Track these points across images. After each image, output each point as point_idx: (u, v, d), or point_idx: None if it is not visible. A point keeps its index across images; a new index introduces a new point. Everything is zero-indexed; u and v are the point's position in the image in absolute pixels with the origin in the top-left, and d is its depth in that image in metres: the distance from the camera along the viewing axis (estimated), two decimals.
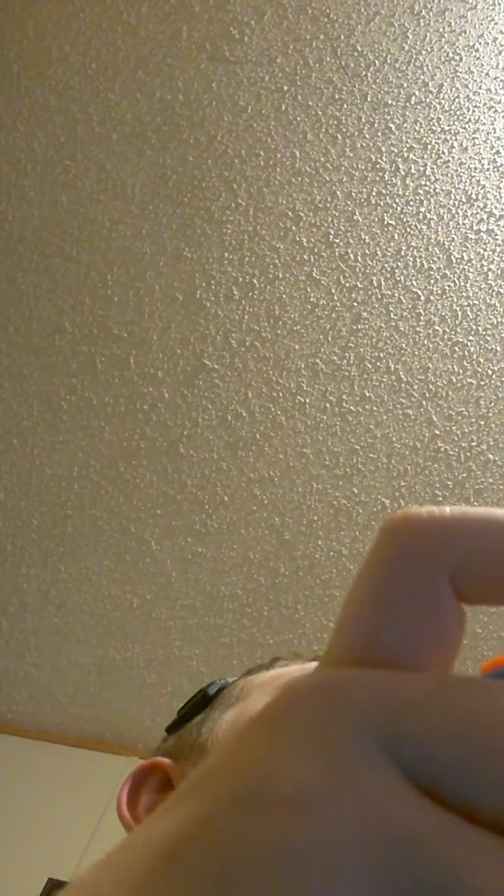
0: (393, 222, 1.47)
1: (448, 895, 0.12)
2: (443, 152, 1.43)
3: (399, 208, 1.46)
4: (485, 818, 0.13)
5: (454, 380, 1.55)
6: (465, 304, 1.50)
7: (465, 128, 1.41)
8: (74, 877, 0.14)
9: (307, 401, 1.59)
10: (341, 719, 0.14)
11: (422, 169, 1.44)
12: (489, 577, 0.16)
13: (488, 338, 1.52)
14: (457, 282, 1.49)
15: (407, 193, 1.45)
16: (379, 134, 1.43)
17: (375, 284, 1.50)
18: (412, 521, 0.16)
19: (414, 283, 1.50)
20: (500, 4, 1.35)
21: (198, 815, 0.13)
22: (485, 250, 1.47)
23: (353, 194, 1.46)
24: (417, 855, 0.12)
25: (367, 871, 0.12)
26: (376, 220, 1.47)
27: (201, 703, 0.54)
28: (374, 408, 1.58)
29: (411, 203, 1.46)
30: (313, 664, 0.52)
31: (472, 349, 1.52)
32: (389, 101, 1.41)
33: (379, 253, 1.49)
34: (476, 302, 1.49)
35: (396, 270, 1.49)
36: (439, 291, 1.50)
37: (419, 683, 0.14)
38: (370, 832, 0.12)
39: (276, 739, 0.14)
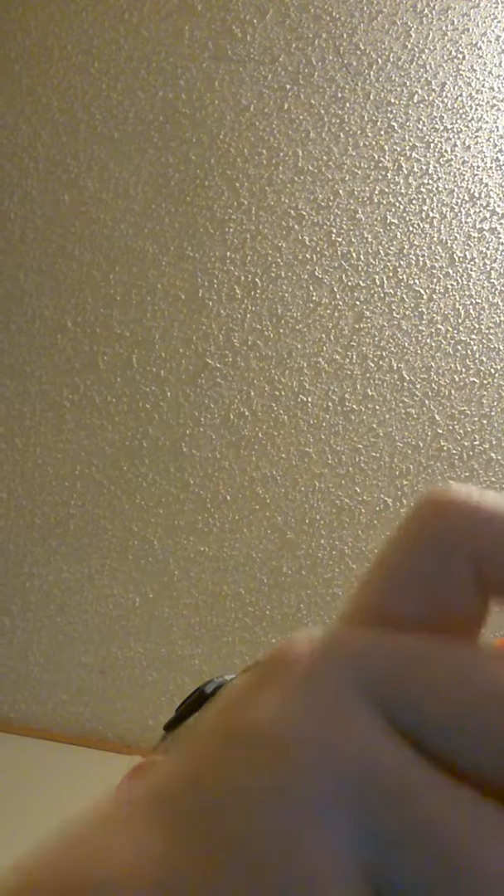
0: (395, 221, 1.47)
1: (429, 849, 0.12)
2: (445, 150, 1.42)
3: (402, 207, 1.46)
4: (471, 779, 0.13)
5: (457, 379, 1.54)
6: (468, 302, 1.49)
7: (467, 126, 1.41)
8: (67, 825, 0.15)
9: (309, 400, 1.59)
10: (337, 670, 0.14)
11: (424, 167, 1.44)
12: None
13: (491, 336, 1.51)
14: (459, 280, 1.48)
15: (410, 192, 1.45)
16: (381, 132, 1.43)
17: (378, 283, 1.50)
18: (449, 499, 0.16)
19: (416, 281, 1.49)
20: (502, 2, 1.35)
21: (190, 754, 0.14)
22: (488, 249, 1.46)
23: (356, 193, 1.46)
24: (402, 805, 0.12)
25: (349, 814, 0.12)
26: (379, 218, 1.47)
27: (198, 701, 0.54)
28: (377, 407, 1.58)
29: (414, 202, 1.45)
30: None
31: (474, 348, 1.52)
32: (392, 100, 1.41)
33: (381, 252, 1.49)
34: (479, 300, 1.49)
35: (399, 269, 1.49)
36: (442, 290, 1.49)
37: (418, 644, 0.14)
38: (356, 777, 0.12)
39: (271, 685, 0.14)
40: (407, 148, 1.43)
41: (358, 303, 1.52)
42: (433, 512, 0.16)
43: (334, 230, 1.49)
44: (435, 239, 1.47)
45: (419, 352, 1.53)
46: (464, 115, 1.41)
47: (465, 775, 0.13)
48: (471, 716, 0.13)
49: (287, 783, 0.12)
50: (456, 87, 1.39)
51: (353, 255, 1.49)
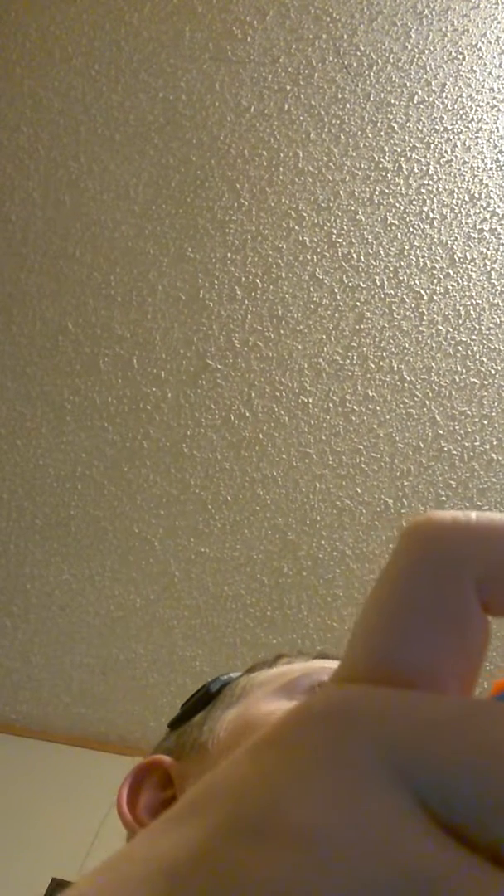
0: (396, 222, 1.47)
1: None
2: (446, 151, 1.43)
3: (402, 208, 1.46)
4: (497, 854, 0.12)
5: (457, 379, 1.54)
6: (469, 303, 1.49)
7: (468, 127, 1.41)
8: (73, 888, 0.14)
9: (310, 400, 1.59)
10: (354, 745, 0.13)
11: (425, 168, 1.44)
12: None
13: (491, 337, 1.51)
14: (460, 281, 1.48)
15: (410, 193, 1.45)
16: (382, 133, 1.43)
17: (378, 284, 1.50)
18: (437, 526, 0.15)
19: (417, 282, 1.49)
20: (502, 3, 1.35)
21: (201, 839, 0.13)
22: (488, 249, 1.46)
23: (356, 194, 1.46)
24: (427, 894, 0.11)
25: None
26: (379, 219, 1.47)
27: (203, 699, 0.54)
28: (377, 407, 1.58)
29: (414, 202, 1.45)
30: (317, 662, 0.51)
31: (475, 348, 1.52)
32: (392, 101, 1.41)
33: (382, 252, 1.49)
34: (479, 301, 1.49)
35: (399, 270, 1.49)
36: (442, 291, 1.49)
37: (440, 707, 0.13)
38: (382, 875, 0.11)
39: (285, 765, 0.13)
40: (407, 149, 1.43)
41: (358, 304, 1.52)
42: (421, 542, 0.15)
43: (335, 231, 1.49)
44: (435, 240, 1.47)
45: (420, 352, 1.53)
46: (464, 116, 1.41)
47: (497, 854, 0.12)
48: None
49: (307, 884, 0.11)
50: (456, 88, 1.39)
51: (354, 255, 1.49)
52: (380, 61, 1.39)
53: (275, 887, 0.11)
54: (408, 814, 0.12)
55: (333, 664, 0.50)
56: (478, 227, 1.46)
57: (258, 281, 1.52)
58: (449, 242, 1.47)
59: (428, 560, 0.15)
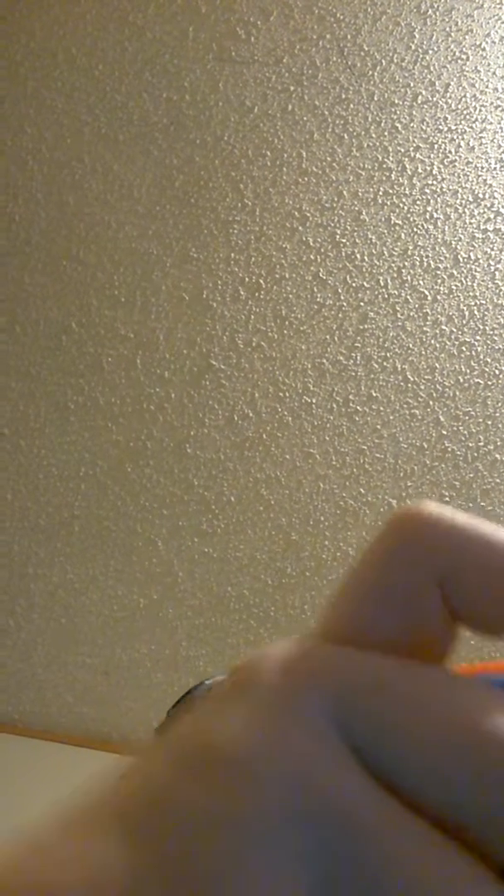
0: (399, 222, 1.47)
1: (375, 883, 0.12)
2: (450, 151, 1.42)
3: (406, 208, 1.46)
4: (428, 812, 0.13)
5: (461, 380, 1.54)
6: (473, 303, 1.49)
7: (471, 127, 1.41)
8: (33, 826, 0.15)
9: (314, 401, 1.59)
10: (296, 690, 0.14)
11: (428, 168, 1.43)
12: (470, 592, 0.16)
13: (496, 337, 1.51)
14: (464, 281, 1.48)
15: (414, 193, 1.45)
16: (385, 133, 1.43)
17: (382, 284, 1.50)
18: (421, 518, 0.16)
19: (421, 282, 1.49)
20: None
21: (152, 777, 0.14)
22: (492, 249, 1.46)
23: (360, 194, 1.46)
24: (355, 835, 0.12)
25: (300, 841, 0.12)
26: (383, 219, 1.47)
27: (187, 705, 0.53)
28: (381, 408, 1.58)
29: (418, 202, 1.45)
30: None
31: (479, 349, 1.52)
32: (396, 101, 1.41)
33: (385, 253, 1.48)
34: (483, 301, 1.49)
35: (403, 270, 1.49)
36: (446, 291, 1.49)
37: (382, 665, 0.14)
38: (309, 803, 0.12)
39: (231, 705, 0.14)
40: (411, 149, 1.43)
41: (362, 304, 1.52)
42: (404, 530, 0.16)
43: (338, 231, 1.49)
44: (439, 240, 1.47)
45: (423, 353, 1.53)
46: (468, 117, 1.41)
47: (422, 809, 0.13)
48: (432, 751, 0.13)
49: (240, 804, 0.12)
50: (460, 89, 1.39)
51: (358, 256, 1.49)
52: (383, 61, 1.39)
53: (211, 812, 0.12)
54: (339, 756, 0.13)
55: None
56: (482, 227, 1.45)
57: (262, 281, 1.52)
58: (453, 243, 1.47)
59: (403, 547, 0.16)
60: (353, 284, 1.51)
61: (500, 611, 0.15)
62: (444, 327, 1.51)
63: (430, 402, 1.56)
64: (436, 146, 1.42)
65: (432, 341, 1.52)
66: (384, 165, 1.44)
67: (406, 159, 1.44)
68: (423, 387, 1.55)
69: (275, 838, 0.12)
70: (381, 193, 1.46)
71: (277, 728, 0.13)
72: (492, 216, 1.45)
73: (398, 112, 1.42)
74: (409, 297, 1.50)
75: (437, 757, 0.13)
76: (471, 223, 1.45)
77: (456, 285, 1.49)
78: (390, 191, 1.45)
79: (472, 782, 0.12)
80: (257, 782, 0.12)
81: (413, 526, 0.16)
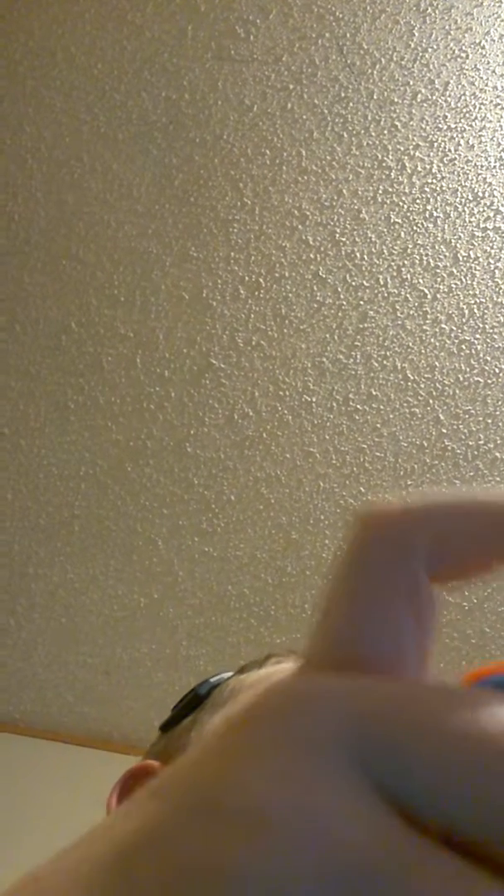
0: (399, 220, 1.46)
1: None
2: (449, 150, 1.42)
3: (405, 206, 1.46)
4: (464, 841, 0.12)
5: (461, 378, 1.54)
6: (472, 301, 1.49)
7: (471, 125, 1.41)
8: (31, 871, 0.14)
9: (314, 400, 1.59)
10: (311, 732, 0.13)
11: (428, 167, 1.43)
12: (460, 553, 0.16)
13: (495, 336, 1.51)
14: (463, 280, 1.48)
15: (413, 191, 1.45)
16: (385, 132, 1.43)
17: (382, 283, 1.50)
18: (381, 513, 0.16)
19: (420, 281, 1.49)
20: None
21: (155, 820, 0.13)
22: (491, 248, 1.46)
23: (360, 192, 1.46)
24: (374, 886, 0.11)
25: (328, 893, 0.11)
26: (382, 218, 1.47)
27: (193, 702, 0.53)
28: (381, 406, 1.58)
29: (417, 201, 1.45)
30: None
31: (478, 347, 1.52)
32: (395, 99, 1.41)
33: (385, 251, 1.48)
34: (483, 300, 1.49)
35: (403, 269, 1.49)
36: (446, 289, 1.49)
37: (396, 692, 0.13)
38: (325, 861, 0.11)
39: (243, 750, 0.13)
40: (410, 147, 1.43)
41: (362, 302, 1.52)
42: (369, 530, 0.16)
43: (338, 230, 1.48)
44: (439, 238, 1.47)
45: (423, 351, 1.53)
46: (467, 115, 1.40)
47: (457, 838, 0.12)
48: (461, 774, 0.12)
49: (251, 868, 0.11)
50: (459, 87, 1.39)
51: (357, 254, 1.49)
52: (383, 60, 1.39)
53: (220, 867, 0.11)
54: (358, 800, 0.12)
55: None
56: (481, 225, 1.45)
57: (261, 280, 1.52)
58: (452, 241, 1.46)
59: (376, 547, 0.16)
60: (353, 283, 1.51)
61: (488, 558, 0.16)
62: (443, 326, 1.51)
63: (430, 401, 1.56)
64: (435, 144, 1.42)
65: (432, 340, 1.52)
66: (384, 164, 1.44)
67: (405, 158, 1.44)
68: (423, 385, 1.55)
69: (296, 891, 0.11)
70: (380, 192, 1.45)
71: (292, 774, 0.12)
72: (491, 214, 1.45)
73: (398, 110, 1.41)
74: (408, 295, 1.50)
75: (465, 778, 0.12)
76: (470, 221, 1.45)
77: (456, 283, 1.49)
78: (390, 189, 1.45)
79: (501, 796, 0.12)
80: (269, 837, 0.12)
81: (377, 521, 0.16)
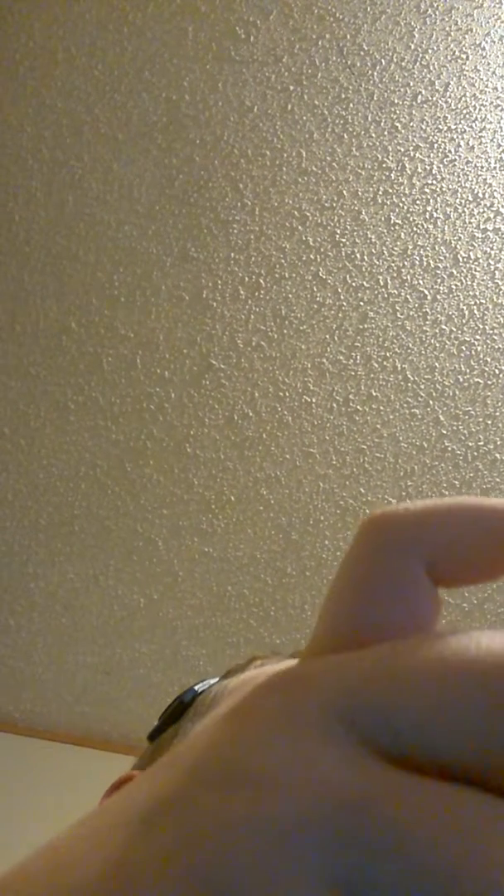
0: (399, 221, 1.47)
1: (394, 856, 0.12)
2: (449, 151, 1.42)
3: (405, 207, 1.46)
4: (462, 771, 0.13)
5: (461, 379, 1.54)
6: (472, 302, 1.49)
7: (471, 126, 1.41)
8: (49, 841, 0.15)
9: (314, 400, 1.59)
10: (303, 704, 0.15)
11: (428, 168, 1.43)
12: (461, 559, 0.17)
13: (495, 337, 1.51)
14: (463, 281, 1.48)
15: (413, 192, 1.45)
16: (385, 133, 1.43)
17: (382, 284, 1.50)
18: (388, 515, 0.17)
19: (420, 282, 1.49)
20: None
21: (172, 788, 0.14)
22: (492, 249, 1.46)
23: (360, 193, 1.46)
24: (364, 819, 0.12)
25: (315, 841, 0.13)
26: (382, 219, 1.47)
27: (178, 710, 0.54)
28: (381, 407, 1.58)
29: (418, 202, 1.45)
30: (289, 661, 0.51)
31: (479, 348, 1.52)
32: (395, 100, 1.41)
33: (385, 252, 1.48)
34: (483, 301, 1.49)
35: (403, 269, 1.49)
36: (446, 290, 1.49)
37: (374, 654, 0.15)
38: (319, 804, 0.13)
39: (247, 724, 0.15)
40: (410, 148, 1.43)
41: (362, 303, 1.52)
42: (376, 531, 0.17)
43: (338, 231, 1.49)
44: (439, 239, 1.47)
45: (423, 352, 1.53)
46: (468, 116, 1.40)
47: (454, 771, 0.13)
48: (436, 708, 0.13)
49: (258, 817, 0.13)
50: (460, 88, 1.39)
51: (357, 255, 1.49)
52: (383, 61, 1.39)
53: (235, 823, 0.13)
54: (347, 753, 0.14)
55: None
56: (481, 226, 1.45)
57: (261, 281, 1.52)
58: (452, 242, 1.47)
59: (381, 546, 0.17)
60: (353, 284, 1.51)
61: (492, 565, 0.17)
62: (443, 327, 1.51)
63: (430, 402, 1.56)
64: (435, 145, 1.42)
65: (432, 341, 1.52)
66: (384, 165, 1.44)
67: (406, 159, 1.44)
68: (422, 386, 1.55)
69: (290, 842, 0.13)
70: (380, 193, 1.45)
71: (289, 741, 0.14)
72: (491, 215, 1.45)
73: (398, 111, 1.42)
74: (408, 296, 1.50)
75: (443, 707, 0.13)
76: (470, 222, 1.45)
77: (456, 284, 1.49)
78: (390, 190, 1.45)
79: (487, 714, 0.13)
80: (272, 791, 0.13)
81: (384, 523, 0.17)
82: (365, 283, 1.50)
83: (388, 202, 1.46)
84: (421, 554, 0.16)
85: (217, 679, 0.55)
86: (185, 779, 0.14)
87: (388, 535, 0.17)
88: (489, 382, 1.54)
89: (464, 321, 1.50)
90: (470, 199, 1.44)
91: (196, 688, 0.55)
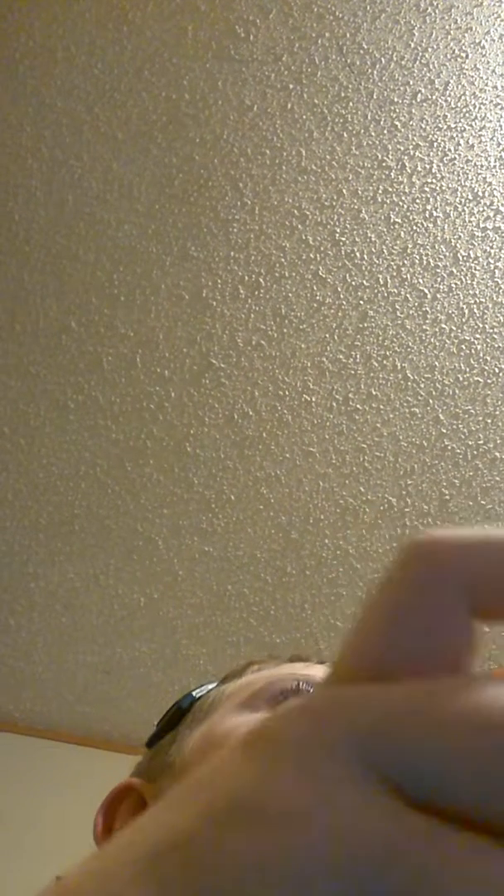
0: (399, 220, 1.47)
1: None
2: (449, 150, 1.42)
3: (405, 206, 1.46)
4: (483, 822, 0.13)
5: (461, 378, 1.54)
6: (472, 301, 1.49)
7: (471, 125, 1.41)
8: (62, 874, 0.15)
9: (313, 399, 1.59)
10: (326, 738, 0.14)
11: (428, 166, 1.43)
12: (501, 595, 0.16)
13: (495, 335, 1.51)
14: (463, 279, 1.48)
15: (413, 191, 1.45)
16: (385, 132, 1.43)
17: (382, 282, 1.50)
18: (433, 544, 0.16)
19: (420, 280, 1.49)
20: None
21: (185, 824, 0.13)
22: (491, 248, 1.46)
23: (359, 192, 1.46)
24: (392, 869, 0.12)
25: (340, 889, 0.12)
26: (382, 217, 1.47)
27: (175, 716, 0.53)
28: (381, 406, 1.58)
29: (417, 201, 1.45)
30: (285, 667, 0.51)
31: (478, 347, 1.52)
32: (395, 99, 1.41)
33: (385, 251, 1.48)
34: (483, 300, 1.49)
35: (403, 268, 1.49)
36: (446, 289, 1.49)
37: (407, 693, 0.14)
38: (340, 850, 0.12)
39: (265, 758, 0.14)
40: (410, 147, 1.43)
41: (362, 302, 1.52)
42: (421, 557, 0.16)
43: (338, 230, 1.48)
44: (438, 238, 1.47)
45: (423, 351, 1.53)
46: (467, 114, 1.40)
47: (476, 821, 0.13)
48: (463, 757, 0.13)
49: (278, 862, 0.12)
50: (459, 86, 1.39)
51: (357, 254, 1.49)
52: (383, 59, 1.39)
53: (254, 864, 0.12)
54: (370, 796, 0.13)
55: (304, 667, 0.50)
56: (481, 225, 1.45)
57: (261, 280, 1.52)
58: (452, 241, 1.46)
59: (423, 574, 0.16)
60: (353, 283, 1.51)
61: None
62: (443, 325, 1.51)
63: (430, 401, 1.56)
64: (435, 144, 1.42)
65: (432, 339, 1.52)
66: (383, 164, 1.44)
67: (405, 157, 1.44)
68: (422, 385, 1.55)
69: (320, 888, 0.12)
70: (380, 192, 1.45)
71: (311, 778, 0.13)
72: (491, 214, 1.45)
73: (397, 110, 1.41)
74: (408, 295, 1.50)
75: (476, 761, 0.13)
76: (470, 221, 1.45)
77: (455, 283, 1.49)
78: (390, 189, 1.45)
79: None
80: (292, 833, 0.13)
81: (430, 551, 0.16)
82: (365, 281, 1.50)
83: (388, 201, 1.46)
84: (463, 587, 0.16)
85: (215, 684, 0.54)
86: (198, 814, 0.14)
87: (432, 565, 0.16)
88: (489, 381, 1.54)
89: (463, 320, 1.50)
90: (470, 197, 1.44)
91: (194, 693, 0.54)
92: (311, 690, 0.45)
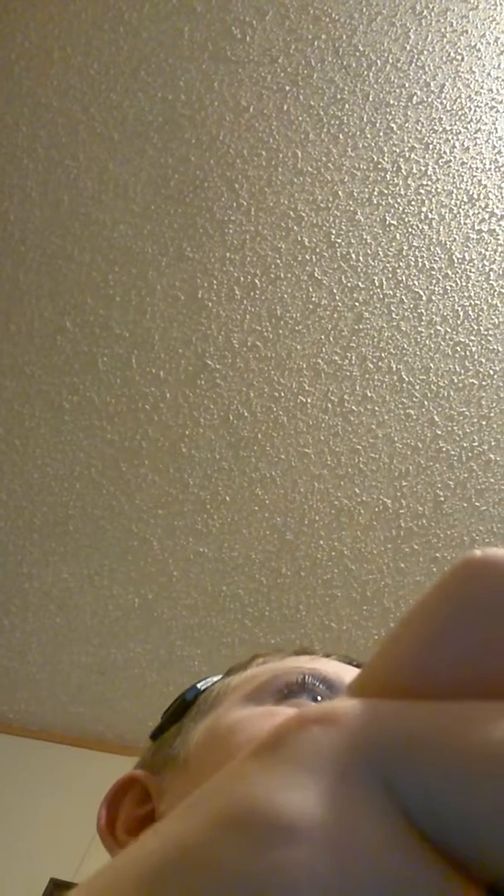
0: (394, 222, 1.47)
1: None
2: (444, 152, 1.43)
3: (401, 208, 1.46)
4: (486, 880, 0.12)
5: (456, 380, 1.54)
6: (467, 303, 1.50)
7: (466, 127, 1.41)
8: (72, 891, 0.14)
9: (309, 401, 1.59)
10: (346, 752, 0.13)
11: (423, 169, 1.44)
12: None
13: (490, 338, 1.51)
14: (458, 282, 1.49)
15: (409, 193, 1.45)
16: (381, 134, 1.43)
17: (377, 284, 1.50)
18: (491, 563, 0.15)
19: (416, 282, 1.49)
20: (501, 4, 1.35)
21: (187, 837, 0.13)
22: (486, 250, 1.47)
23: (355, 194, 1.46)
24: None
25: None
26: (378, 219, 1.47)
27: (180, 709, 0.53)
28: (376, 408, 1.58)
29: (413, 203, 1.46)
30: (290, 660, 0.51)
31: (473, 349, 1.52)
32: (391, 101, 1.41)
33: (381, 253, 1.49)
34: (478, 302, 1.49)
35: (398, 270, 1.49)
36: (441, 291, 1.50)
37: (441, 718, 0.13)
38: (353, 878, 0.12)
39: (278, 765, 0.13)
40: (406, 149, 1.43)
41: (357, 304, 1.52)
42: (474, 576, 0.15)
43: (333, 231, 1.49)
44: (434, 240, 1.47)
45: (418, 353, 1.54)
46: (463, 117, 1.41)
47: (480, 878, 0.12)
48: (489, 813, 0.12)
49: (285, 880, 0.12)
50: (455, 89, 1.39)
51: (353, 256, 1.50)
52: (379, 62, 1.39)
53: (254, 881, 0.12)
54: (388, 824, 0.12)
55: (309, 661, 0.50)
56: (476, 227, 1.46)
57: (257, 281, 1.53)
58: (447, 243, 1.47)
59: (472, 592, 0.15)
60: (349, 284, 1.51)
61: None
62: (438, 327, 1.52)
63: (425, 402, 1.57)
64: (431, 147, 1.43)
65: (427, 341, 1.53)
66: (379, 165, 1.44)
67: (401, 160, 1.44)
68: (417, 387, 1.56)
69: None
70: (376, 193, 1.46)
71: (327, 792, 0.13)
72: (486, 216, 1.45)
73: (393, 112, 1.42)
74: (403, 297, 1.51)
75: (484, 794, 0.12)
76: (466, 223, 1.46)
77: (451, 285, 1.49)
78: (385, 191, 1.45)
79: None
80: (303, 850, 0.12)
81: (484, 571, 0.15)
82: (360, 283, 1.51)
83: (384, 203, 1.46)
84: None
85: (220, 677, 0.54)
86: (205, 821, 0.13)
87: (482, 583, 0.15)
88: (484, 383, 1.54)
89: (459, 322, 1.51)
90: (465, 200, 1.44)
91: (199, 685, 0.54)
92: (322, 688, 0.44)
